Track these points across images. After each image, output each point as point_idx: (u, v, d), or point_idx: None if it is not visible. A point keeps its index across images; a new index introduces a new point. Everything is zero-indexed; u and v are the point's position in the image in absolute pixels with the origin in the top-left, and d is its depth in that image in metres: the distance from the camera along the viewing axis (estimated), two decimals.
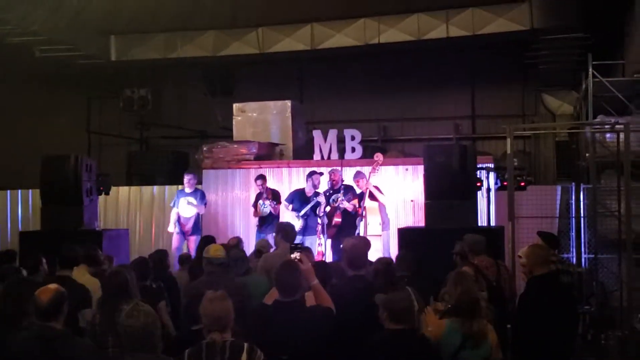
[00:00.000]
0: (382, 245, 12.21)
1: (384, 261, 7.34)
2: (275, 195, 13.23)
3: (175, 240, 13.82)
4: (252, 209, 13.47)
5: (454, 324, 5.94)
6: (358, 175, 12.68)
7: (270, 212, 13.06)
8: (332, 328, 5.55)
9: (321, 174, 12.99)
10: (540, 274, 6.86)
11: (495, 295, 7.50)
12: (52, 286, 5.36)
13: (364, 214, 12.41)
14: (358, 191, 12.58)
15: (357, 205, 12.44)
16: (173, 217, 13.92)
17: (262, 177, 13.31)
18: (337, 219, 12.46)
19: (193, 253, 11.88)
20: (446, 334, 5.90)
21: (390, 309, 5.56)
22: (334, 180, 12.75)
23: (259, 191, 13.30)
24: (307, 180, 13.00)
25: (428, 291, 7.45)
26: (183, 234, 13.83)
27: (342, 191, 12.54)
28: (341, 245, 8.93)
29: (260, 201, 13.12)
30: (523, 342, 6.84)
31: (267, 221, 13.06)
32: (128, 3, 15.30)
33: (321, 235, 12.40)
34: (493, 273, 8.03)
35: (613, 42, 16.27)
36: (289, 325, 5.40)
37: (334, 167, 13.05)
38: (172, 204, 14.07)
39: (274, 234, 12.74)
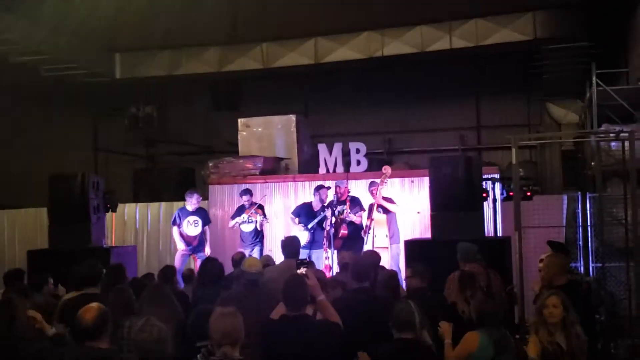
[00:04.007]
0: (390, 257, 12.17)
1: (389, 273, 7.38)
2: (263, 210, 13.28)
3: (178, 261, 13.38)
4: (231, 220, 13.44)
5: (484, 335, 5.99)
6: (372, 185, 12.63)
7: (256, 227, 13.08)
8: (339, 342, 5.55)
9: (329, 188, 12.98)
10: (561, 284, 6.86)
11: None
12: (95, 305, 5.30)
13: (371, 226, 12.39)
14: (371, 201, 12.53)
15: (362, 218, 12.46)
16: (178, 236, 13.64)
17: (249, 192, 13.34)
18: (343, 231, 12.44)
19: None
20: (481, 347, 5.96)
21: (393, 318, 5.69)
22: (339, 194, 12.73)
23: (242, 204, 13.29)
24: (314, 195, 13.00)
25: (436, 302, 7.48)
26: (187, 255, 13.60)
27: (348, 203, 12.53)
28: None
29: (245, 215, 13.12)
30: None
31: (252, 236, 13.11)
32: (130, 20, 15.36)
33: (327, 249, 12.37)
34: (484, 281, 8.08)
35: (617, 51, 16.28)
36: (297, 339, 5.41)
37: (340, 180, 13.05)
38: (172, 222, 13.79)
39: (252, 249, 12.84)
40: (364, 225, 12.48)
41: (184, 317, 7.12)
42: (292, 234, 12.10)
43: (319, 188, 12.98)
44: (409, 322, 5.63)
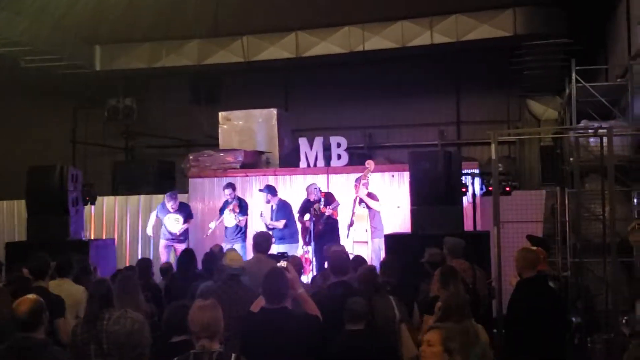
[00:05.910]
0: (371, 251, 12.18)
1: (368, 267, 7.40)
2: (242, 208, 13.16)
3: (163, 255, 13.45)
4: (218, 215, 13.38)
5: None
6: (357, 180, 12.60)
7: (237, 224, 13.04)
8: (319, 335, 5.58)
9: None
10: (528, 278, 6.94)
11: (471, 298, 7.58)
12: (31, 296, 5.35)
13: (352, 221, 12.42)
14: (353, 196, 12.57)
15: (337, 210, 12.54)
16: (152, 220, 13.76)
17: (231, 186, 13.26)
18: (319, 227, 12.48)
19: None
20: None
21: (347, 309, 5.82)
22: (312, 195, 12.70)
23: (226, 199, 13.24)
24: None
25: (412, 297, 7.54)
26: (170, 246, 13.62)
27: (322, 199, 12.54)
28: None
29: (227, 211, 13.09)
30: (512, 345, 6.89)
31: (234, 231, 13.09)
32: (111, 12, 15.28)
33: (307, 245, 12.42)
34: (469, 276, 8.12)
35: (596, 48, 16.38)
36: (276, 332, 5.42)
37: (311, 183, 13.01)
38: (155, 211, 13.89)
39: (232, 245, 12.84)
40: (338, 219, 12.56)
41: (151, 309, 7.16)
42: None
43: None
44: (359, 313, 5.78)
